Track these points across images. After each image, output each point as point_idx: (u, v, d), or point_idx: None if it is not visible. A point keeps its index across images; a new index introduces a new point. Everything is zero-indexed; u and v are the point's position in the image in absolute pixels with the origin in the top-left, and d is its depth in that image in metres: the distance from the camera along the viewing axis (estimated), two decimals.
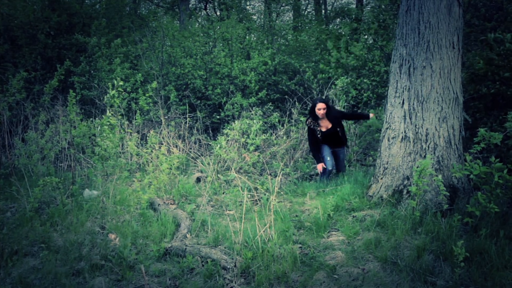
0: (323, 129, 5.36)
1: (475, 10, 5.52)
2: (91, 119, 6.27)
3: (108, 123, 4.65)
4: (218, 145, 5.43)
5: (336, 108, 6.01)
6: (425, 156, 3.88)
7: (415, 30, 3.99)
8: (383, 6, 7.61)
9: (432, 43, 3.91)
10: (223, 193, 5.10)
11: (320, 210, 4.01)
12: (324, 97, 6.34)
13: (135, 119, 6.52)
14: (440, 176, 3.59)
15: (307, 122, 5.38)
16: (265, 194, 4.71)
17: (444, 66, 3.91)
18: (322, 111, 5.22)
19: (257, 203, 4.69)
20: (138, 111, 6.55)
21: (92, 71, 7.72)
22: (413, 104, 4.00)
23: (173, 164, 4.39)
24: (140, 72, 7.63)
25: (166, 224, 4.07)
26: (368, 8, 11.14)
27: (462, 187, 3.95)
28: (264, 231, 3.46)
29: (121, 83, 4.68)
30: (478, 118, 5.21)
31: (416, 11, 4.01)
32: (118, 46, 8.00)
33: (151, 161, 4.90)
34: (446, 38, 3.92)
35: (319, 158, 5.32)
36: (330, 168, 5.28)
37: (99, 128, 4.73)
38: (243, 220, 3.52)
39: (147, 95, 6.53)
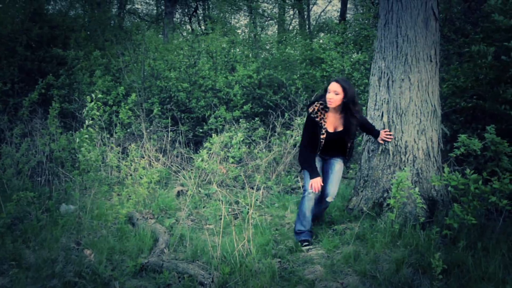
0: (330, 129, 3.70)
1: (452, 25, 5.64)
2: (70, 131, 6.18)
3: (87, 135, 4.58)
4: (200, 158, 5.38)
5: (360, 106, 3.85)
6: (404, 169, 3.88)
7: (393, 43, 4.03)
8: (366, 21, 7.75)
9: (410, 56, 3.95)
10: (203, 207, 5.04)
11: None
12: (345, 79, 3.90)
13: (116, 133, 6.44)
14: (417, 189, 3.59)
15: (311, 110, 3.67)
16: (245, 208, 4.67)
17: (422, 79, 3.96)
18: (334, 97, 3.55)
19: (237, 217, 4.64)
20: (118, 124, 6.48)
21: (72, 84, 7.64)
22: (392, 116, 4.03)
23: (153, 178, 4.32)
24: (122, 85, 7.57)
25: (144, 239, 3.99)
26: (352, 24, 11.31)
27: (442, 199, 3.96)
28: (242, 246, 3.41)
29: (100, 95, 4.62)
30: (457, 131, 5.26)
31: (394, 24, 4.06)
32: (98, 58, 7.95)
33: (131, 175, 4.82)
34: (423, 51, 3.97)
35: (314, 169, 3.67)
36: (311, 191, 3.66)
37: (77, 140, 4.64)
38: (220, 235, 3.46)
39: (126, 107, 6.47)
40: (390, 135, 4.02)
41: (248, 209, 4.73)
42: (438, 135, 4.07)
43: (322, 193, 3.78)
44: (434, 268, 2.92)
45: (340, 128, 3.72)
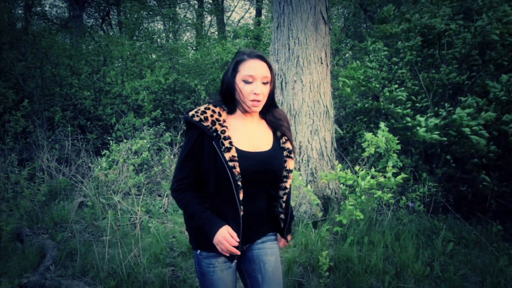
0: (241, 145, 1.75)
1: (349, 30, 5.92)
2: None
3: None
4: (99, 167, 5.07)
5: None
6: (299, 169, 3.95)
7: (285, 46, 4.10)
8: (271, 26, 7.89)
9: (302, 59, 4.05)
10: (103, 218, 4.74)
11: None
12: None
13: (7, 142, 5.89)
14: (309, 187, 3.66)
15: (193, 113, 1.73)
16: (147, 217, 4.47)
17: (313, 80, 4.06)
18: (264, 92, 1.75)
19: (136, 227, 4.42)
20: (9, 133, 5.94)
21: None
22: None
23: (38, 190, 3.97)
24: (19, 92, 6.98)
25: (30, 257, 3.64)
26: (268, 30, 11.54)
27: (335, 197, 4.08)
28: (133, 256, 3.23)
29: None
30: (356, 132, 5.51)
31: (286, 27, 4.14)
32: None
33: (12, 188, 4.40)
34: (314, 53, 4.08)
35: (211, 218, 1.71)
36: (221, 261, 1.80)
37: None
38: (107, 247, 3.25)
39: (18, 115, 5.96)
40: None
41: (151, 217, 4.54)
42: (332, 135, 4.20)
43: None
44: (320, 266, 2.97)
45: (264, 146, 1.80)
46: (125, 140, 6.13)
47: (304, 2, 4.06)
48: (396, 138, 3.99)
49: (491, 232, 4.13)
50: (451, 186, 4.85)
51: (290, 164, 1.83)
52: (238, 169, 1.67)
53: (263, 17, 14.18)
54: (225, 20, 14.77)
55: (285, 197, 1.84)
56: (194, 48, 11.79)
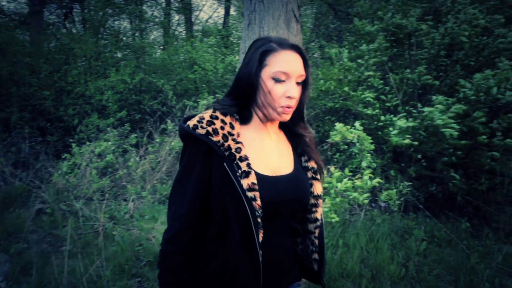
0: (261, 168, 1.28)
1: (318, 30, 5.87)
2: None
3: None
4: (59, 171, 4.78)
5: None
6: None
7: None
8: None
9: None
10: (63, 226, 4.46)
11: None
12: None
13: None
14: None
15: (194, 123, 1.25)
16: (111, 223, 4.23)
17: None
18: (296, 95, 1.28)
19: (100, 235, 4.17)
20: None
21: None
22: None
23: None
24: None
25: None
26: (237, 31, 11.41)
27: None
28: (97, 267, 3.01)
29: None
30: (327, 131, 5.46)
31: (257, 25, 3.99)
32: None
33: None
34: None
35: None
36: None
37: None
38: (66, 258, 3.01)
39: None
40: None
41: (116, 224, 4.31)
42: None
43: None
44: None
45: (285, 168, 1.36)
46: (88, 143, 5.83)
47: (276, 0, 3.94)
48: (370, 138, 3.95)
49: (460, 229, 4.17)
50: (421, 184, 4.87)
51: (317, 187, 1.40)
52: (259, 201, 1.21)
53: (233, 13, 14.04)
54: (193, 19, 14.51)
55: (317, 231, 1.38)
56: (161, 47, 11.50)
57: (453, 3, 4.86)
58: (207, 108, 1.29)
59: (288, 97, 1.26)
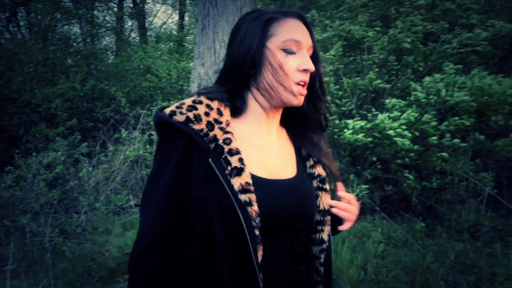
0: (256, 170, 1.00)
1: None
2: None
3: None
4: (2, 185, 4.48)
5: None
6: None
7: (211, 49, 3.91)
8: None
9: None
10: (7, 244, 4.16)
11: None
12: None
13: None
14: None
15: (172, 110, 0.96)
16: (61, 238, 4.00)
17: None
18: (312, 65, 1.01)
19: (48, 251, 3.93)
20: None
21: None
22: None
23: None
24: None
25: None
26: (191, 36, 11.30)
27: None
28: (43, 286, 2.81)
29: None
30: None
31: (211, 30, 3.94)
32: None
33: None
34: None
35: None
36: None
37: None
38: (9, 279, 2.80)
39: None
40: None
41: (63, 239, 4.08)
42: None
43: None
44: None
45: (287, 172, 1.08)
46: (34, 153, 5.52)
47: (229, 4, 3.91)
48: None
49: (415, 229, 4.28)
50: (376, 186, 4.98)
51: (324, 200, 1.08)
52: (255, 207, 0.92)
53: (186, 18, 13.89)
54: (146, 25, 14.21)
55: (322, 256, 1.07)
56: (114, 53, 11.16)
57: (397, 11, 5.04)
58: (189, 96, 1.03)
59: (305, 70, 1.00)
